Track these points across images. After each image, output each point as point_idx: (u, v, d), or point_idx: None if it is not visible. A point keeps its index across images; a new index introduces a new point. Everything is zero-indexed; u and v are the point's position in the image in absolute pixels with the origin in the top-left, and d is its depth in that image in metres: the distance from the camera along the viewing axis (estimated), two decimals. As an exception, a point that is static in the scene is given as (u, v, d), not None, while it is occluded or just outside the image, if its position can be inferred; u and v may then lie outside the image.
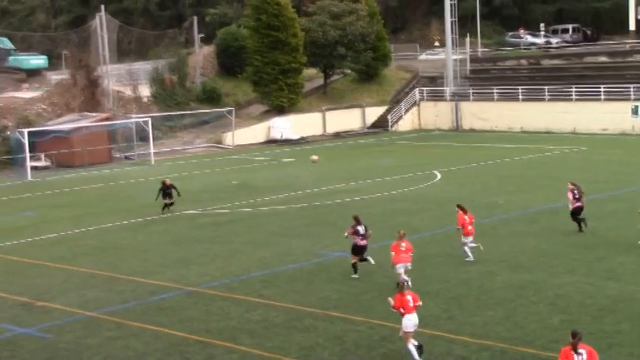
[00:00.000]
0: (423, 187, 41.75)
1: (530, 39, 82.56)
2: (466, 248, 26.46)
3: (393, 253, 23.50)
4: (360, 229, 25.16)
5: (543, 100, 66.65)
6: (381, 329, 20.36)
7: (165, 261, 28.40)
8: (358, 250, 25.11)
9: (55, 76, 77.77)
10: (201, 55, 77.58)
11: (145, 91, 72.00)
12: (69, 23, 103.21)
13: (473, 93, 70.94)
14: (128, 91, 71.21)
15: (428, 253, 27.57)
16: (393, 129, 72.02)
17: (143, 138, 60.29)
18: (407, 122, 72.95)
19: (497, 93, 69.15)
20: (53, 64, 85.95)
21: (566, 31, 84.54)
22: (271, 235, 31.90)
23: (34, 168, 53.87)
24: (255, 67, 69.50)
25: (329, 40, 70.70)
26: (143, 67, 76.44)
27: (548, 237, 29.49)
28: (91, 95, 66.82)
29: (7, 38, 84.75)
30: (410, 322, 18.07)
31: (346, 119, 72.17)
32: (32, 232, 34.57)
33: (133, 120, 60.98)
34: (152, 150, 58.29)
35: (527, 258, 26.50)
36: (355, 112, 73.12)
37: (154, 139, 59.80)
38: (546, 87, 66.70)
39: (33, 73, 79.99)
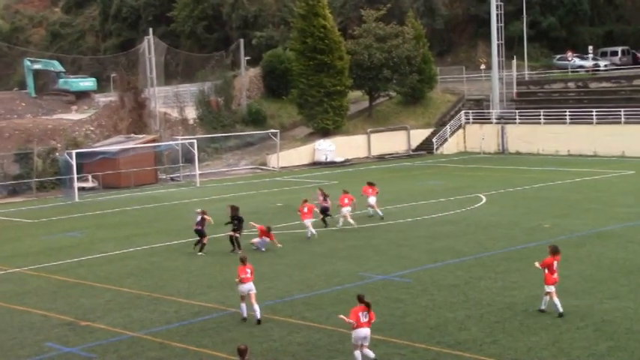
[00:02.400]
0: (468, 211, 41.45)
1: (578, 62, 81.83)
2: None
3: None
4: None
5: (591, 123, 65.95)
6: (425, 353, 20.21)
7: (209, 282, 28.49)
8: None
9: (103, 99, 78.89)
10: (247, 78, 78.12)
11: (191, 113, 72.64)
12: (118, 46, 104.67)
13: (519, 116, 70.47)
14: (175, 113, 71.89)
15: (472, 276, 27.36)
16: (438, 152, 71.76)
17: (189, 159, 60.76)
18: (452, 145, 72.66)
19: (544, 116, 68.62)
20: (102, 86, 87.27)
21: (615, 53, 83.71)
22: (315, 256, 31.87)
23: (81, 189, 54.48)
24: (301, 90, 69.79)
25: (374, 63, 70.76)
26: (190, 89, 77.23)
27: (594, 262, 29.10)
28: (138, 117, 67.54)
29: (58, 61, 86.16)
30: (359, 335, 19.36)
31: (391, 142, 72.06)
32: (78, 252, 34.92)
33: (179, 142, 61.48)
34: (197, 171, 58.67)
35: (573, 283, 26.14)
36: (400, 135, 72.99)
37: (199, 161, 60.17)
38: (594, 110, 66.04)
39: (82, 96, 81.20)
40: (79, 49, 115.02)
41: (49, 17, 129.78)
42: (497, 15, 72.35)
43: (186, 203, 47.81)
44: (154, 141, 61.64)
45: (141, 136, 62.91)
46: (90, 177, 57.57)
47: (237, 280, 23.70)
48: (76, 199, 52.30)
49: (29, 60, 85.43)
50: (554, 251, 23.37)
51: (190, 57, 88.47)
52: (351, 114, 74.79)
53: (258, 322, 23.15)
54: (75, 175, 53.26)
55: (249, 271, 23.78)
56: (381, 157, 70.15)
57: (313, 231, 35.35)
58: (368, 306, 19.49)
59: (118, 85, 74.04)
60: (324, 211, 37.56)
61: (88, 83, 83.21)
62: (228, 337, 22.19)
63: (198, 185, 56.88)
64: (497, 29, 72.41)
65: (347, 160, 67.73)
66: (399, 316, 23.38)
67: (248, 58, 78.60)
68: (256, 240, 33.78)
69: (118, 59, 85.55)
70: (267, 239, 33.58)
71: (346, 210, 37.39)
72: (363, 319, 19.38)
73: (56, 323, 24.31)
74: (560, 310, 22.60)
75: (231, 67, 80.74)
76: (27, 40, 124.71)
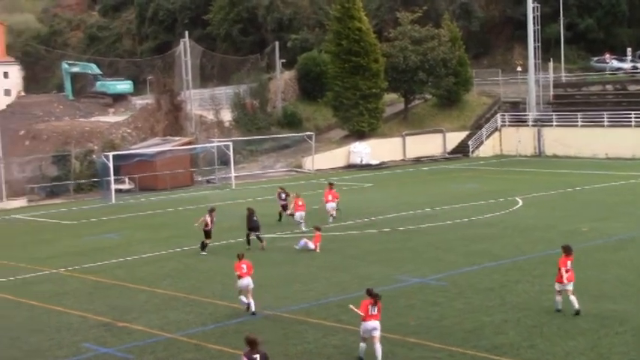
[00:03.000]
0: (504, 214, 41.17)
1: (616, 64, 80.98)
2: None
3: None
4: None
5: (630, 125, 65.29)
6: (461, 357, 20.09)
7: (244, 284, 28.50)
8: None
9: (139, 101, 79.49)
10: (283, 80, 78.28)
11: (227, 116, 72.94)
12: (154, 49, 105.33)
13: (556, 118, 69.91)
14: (210, 116, 72.21)
15: (509, 280, 27.17)
16: (474, 155, 71.42)
17: (224, 162, 60.97)
18: (488, 148, 72.26)
19: (581, 118, 68.02)
20: (138, 89, 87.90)
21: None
22: (350, 259, 31.82)
23: (118, 191, 54.88)
24: (336, 92, 69.78)
25: (410, 66, 70.59)
26: (225, 91, 77.55)
27: (632, 266, 28.76)
28: (174, 119, 67.93)
29: (95, 64, 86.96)
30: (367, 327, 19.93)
31: (426, 144, 71.82)
32: (115, 253, 35.15)
33: (214, 144, 61.73)
34: (233, 174, 58.86)
35: (611, 287, 25.86)
36: (436, 138, 72.74)
37: (234, 163, 60.40)
38: (633, 113, 65.35)
39: (119, 98, 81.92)
40: (116, 52, 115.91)
41: (87, 20, 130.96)
42: (533, 17, 71.89)
43: (222, 205, 47.92)
44: (189, 143, 61.94)
45: (177, 138, 63.26)
46: (127, 179, 57.96)
47: (236, 274, 25.09)
48: (113, 201, 52.69)
49: (67, 63, 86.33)
50: (568, 251, 23.53)
51: (226, 59, 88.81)
52: (387, 116, 74.64)
53: (252, 311, 24.49)
54: (112, 177, 53.64)
55: (244, 266, 25.07)
56: (417, 160, 69.94)
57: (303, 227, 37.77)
58: (377, 298, 19.96)
59: (155, 87, 74.60)
60: (284, 208, 39.88)
61: (124, 86, 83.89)
62: (262, 339, 22.17)
63: (233, 187, 57.06)
64: (534, 31, 71.91)
65: (382, 163, 67.61)
66: (435, 319, 23.26)
67: (283, 60, 78.76)
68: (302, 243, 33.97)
69: (155, 62, 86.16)
70: (310, 243, 33.52)
71: (330, 206, 39.78)
72: (372, 312, 19.88)
73: (93, 324, 24.48)
74: (577, 306, 22.73)
75: (267, 70, 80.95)
76: (65, 43, 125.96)
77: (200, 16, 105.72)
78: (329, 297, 26.21)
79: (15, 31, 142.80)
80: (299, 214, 38.33)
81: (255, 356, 16.63)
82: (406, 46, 71.27)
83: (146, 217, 46.36)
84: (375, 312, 20.00)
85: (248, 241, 34.62)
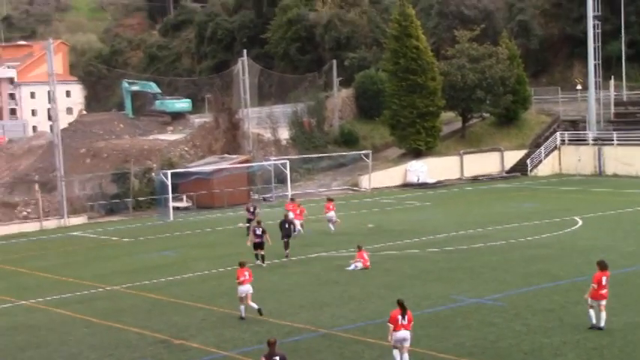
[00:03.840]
0: (563, 234, 40.62)
1: (678, 81, 79.63)
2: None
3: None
4: (257, 230, 34.98)
5: (692, 144, 64.08)
6: (518, 379, 19.80)
7: (300, 302, 28.54)
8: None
9: (198, 119, 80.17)
10: (340, 99, 78.41)
11: (284, 134, 73.22)
12: (212, 68, 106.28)
13: (617, 137, 68.86)
14: (268, 134, 72.57)
15: (568, 301, 26.75)
16: (533, 173, 70.63)
17: (281, 180, 61.17)
18: (547, 167, 71.42)
19: (643, 137, 66.93)
20: (197, 107, 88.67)
21: None
22: (407, 278, 31.65)
23: (176, 208, 55.33)
24: (393, 111, 69.67)
25: (467, 84, 70.20)
26: (283, 110, 77.91)
27: (697, 288, 28.14)
28: (232, 138, 68.40)
29: (155, 83, 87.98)
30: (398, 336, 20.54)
31: (484, 163, 71.25)
32: (172, 270, 35.42)
33: (271, 162, 61.98)
34: (290, 192, 58.97)
35: (675, 309, 25.32)
36: (493, 156, 72.14)
37: (291, 181, 60.55)
38: (696, 131, 64.14)
39: (177, 116, 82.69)
40: (175, 71, 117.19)
41: (147, 40, 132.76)
42: (594, 34, 71.04)
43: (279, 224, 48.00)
44: (247, 161, 62.31)
45: (234, 156, 63.67)
46: (184, 197, 58.44)
47: (237, 281, 26.63)
48: (171, 219, 53.15)
49: (127, 82, 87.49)
50: (603, 266, 23.70)
51: (283, 78, 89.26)
52: (444, 135, 74.26)
53: (259, 311, 26.23)
54: (170, 195, 54.13)
55: (247, 274, 26.70)
56: (475, 179, 69.38)
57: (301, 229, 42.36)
58: (405, 309, 20.71)
59: (213, 106, 75.28)
60: (249, 221, 41.00)
61: (183, 104, 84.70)
62: (318, 358, 22.16)
63: (290, 206, 57.13)
64: (594, 49, 71.04)
65: (439, 182, 67.23)
66: (491, 340, 22.99)
67: (340, 79, 78.91)
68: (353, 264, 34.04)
69: (213, 80, 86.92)
70: (359, 264, 33.56)
71: (330, 215, 43.82)
72: (402, 322, 20.54)
73: (151, 341, 24.67)
74: (602, 324, 23.09)
75: (324, 88, 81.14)
76: (125, 63, 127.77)
77: (258, 35, 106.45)
78: (385, 316, 25.92)
79: (78, 51, 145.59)
80: (329, 215, 43.73)
81: (275, 358, 17.51)
82: (464, 65, 70.93)
83: (203, 234, 46.67)
84: (405, 322, 20.56)
85: (285, 246, 37.32)
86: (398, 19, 69.57)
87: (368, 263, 33.69)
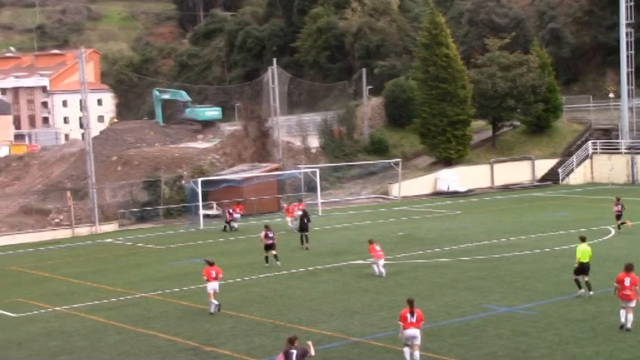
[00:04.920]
0: (596, 243, 40.19)
1: None
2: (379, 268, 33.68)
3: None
4: (270, 233, 36.99)
5: None
6: (551, 389, 19.63)
7: (330, 310, 28.51)
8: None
9: (228, 127, 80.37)
10: (370, 107, 78.41)
11: (314, 142, 73.27)
12: (242, 76, 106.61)
13: (650, 146, 68.29)
14: (297, 142, 72.66)
15: (600, 311, 26.51)
16: (564, 182, 70.14)
17: (311, 188, 61.17)
18: (579, 176, 70.89)
19: (676, 146, 66.31)
20: (227, 115, 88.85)
21: None
22: (437, 287, 31.51)
23: (206, 216, 55.49)
24: (423, 119, 69.56)
25: (498, 92, 69.93)
26: (312, 118, 77.96)
27: None
28: (261, 146, 68.57)
29: (185, 91, 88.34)
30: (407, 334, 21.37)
31: (515, 172, 70.88)
32: (202, 278, 35.39)
33: (301, 170, 62.03)
34: (320, 200, 58.97)
35: None
36: (524, 165, 71.75)
37: (321, 190, 60.52)
38: None
39: (208, 125, 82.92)
40: (205, 79, 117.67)
41: (178, 48, 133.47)
42: (626, 42, 70.56)
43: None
44: (277, 170, 62.39)
45: (264, 164, 63.79)
46: (215, 204, 58.62)
47: (205, 278, 28.96)
48: (201, 227, 53.32)
49: (158, 90, 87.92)
50: (628, 268, 24.36)
51: (313, 86, 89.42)
52: (474, 143, 73.99)
53: (218, 308, 28.55)
54: (200, 203, 54.30)
55: (213, 272, 28.87)
56: (505, 188, 69.02)
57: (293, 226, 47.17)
58: (413, 307, 21.37)
59: (243, 114, 75.43)
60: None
61: (213, 112, 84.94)
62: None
63: (320, 214, 57.12)
64: (627, 57, 70.55)
65: (470, 190, 66.95)
66: (523, 350, 22.82)
67: (370, 87, 78.90)
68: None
69: (243, 89, 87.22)
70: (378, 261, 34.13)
71: (297, 214, 46.94)
72: (411, 320, 21.24)
73: (181, 348, 24.74)
74: (629, 325, 23.78)
75: (354, 97, 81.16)
76: (156, 71, 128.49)
77: (288, 44, 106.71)
78: (415, 325, 25.94)
79: (109, 60, 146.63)
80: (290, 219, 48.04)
81: (291, 351, 18.44)
82: (494, 73, 70.66)
83: (233, 242, 46.78)
84: (414, 320, 21.25)
85: (302, 241, 41.51)
86: (428, 28, 69.52)
87: (380, 253, 34.05)
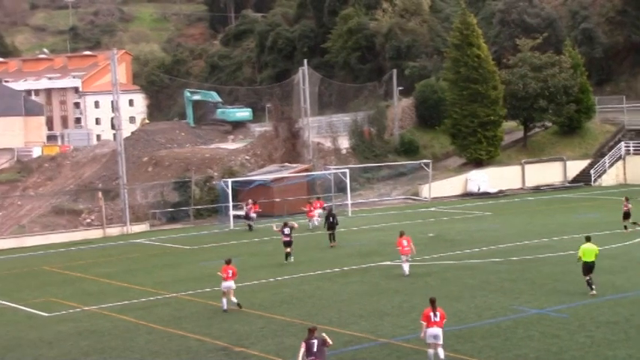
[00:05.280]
0: (629, 245, 39.90)
1: None
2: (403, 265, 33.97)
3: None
4: (286, 230, 38.91)
5: None
6: (582, 392, 19.47)
7: (360, 311, 28.47)
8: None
9: (258, 128, 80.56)
10: (400, 108, 78.25)
11: (344, 143, 73.21)
12: (273, 77, 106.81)
13: (683, 147, 67.56)
14: (328, 143, 72.64)
15: (633, 313, 26.27)
16: (596, 183, 69.57)
17: (341, 189, 61.11)
18: (611, 177, 70.28)
19: None
20: (257, 116, 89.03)
21: None
22: (467, 288, 31.37)
23: (236, 216, 55.58)
24: (454, 120, 69.32)
25: (529, 93, 69.51)
26: (343, 119, 77.90)
27: None
28: (291, 147, 68.62)
29: (216, 92, 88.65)
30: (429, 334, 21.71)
31: (546, 173, 70.41)
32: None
33: (331, 171, 62.01)
34: (349, 201, 58.91)
35: None
36: (556, 166, 71.24)
37: (351, 191, 60.44)
38: None
39: (238, 125, 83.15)
40: (236, 80, 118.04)
41: (209, 50, 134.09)
42: (660, 42, 69.85)
43: (339, 233, 47.99)
44: (306, 170, 62.43)
45: (294, 165, 63.85)
46: (244, 205, 58.71)
47: (222, 276, 29.52)
48: (232, 227, 53.47)
49: (189, 91, 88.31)
50: None
51: (344, 87, 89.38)
52: (505, 144, 73.60)
53: (238, 305, 29.23)
54: (231, 203, 54.45)
55: (230, 272, 29.43)
56: (536, 189, 68.58)
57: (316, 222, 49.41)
58: (434, 306, 21.78)
59: (273, 115, 75.57)
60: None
61: (244, 113, 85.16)
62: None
63: (350, 215, 57.08)
64: (661, 57, 69.84)
65: (500, 192, 66.59)
66: (554, 352, 22.66)
67: (401, 88, 78.74)
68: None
69: (273, 90, 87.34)
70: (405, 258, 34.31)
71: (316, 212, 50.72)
72: (434, 319, 21.64)
73: (211, 348, 24.83)
74: None
75: (384, 97, 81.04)
76: (187, 72, 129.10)
77: (318, 45, 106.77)
78: (446, 327, 25.82)
79: (141, 61, 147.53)
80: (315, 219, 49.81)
81: (312, 341, 19.58)
82: (526, 73, 70.24)
83: (263, 243, 46.85)
84: (438, 319, 21.65)
85: (330, 239, 43.18)
86: (459, 28, 69.26)
87: (407, 249, 34.08)
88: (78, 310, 31.53)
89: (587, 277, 29.13)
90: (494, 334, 24.71)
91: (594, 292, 28.85)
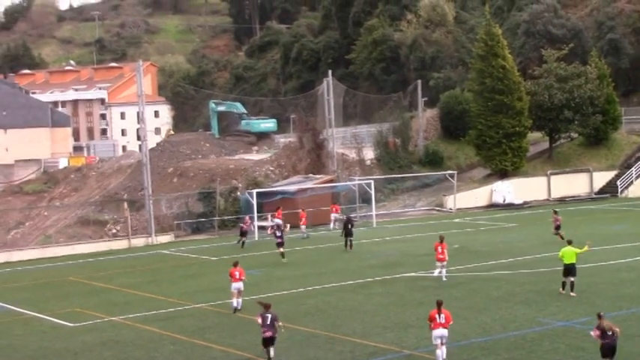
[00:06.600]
0: (655, 257, 39.54)
1: None
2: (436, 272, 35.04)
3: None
4: (278, 232, 43.55)
5: None
6: (608, 405, 19.27)
7: (384, 323, 28.38)
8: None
9: (282, 139, 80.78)
10: (425, 119, 78.15)
11: (369, 154, 73.18)
12: (297, 88, 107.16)
13: None
14: (352, 154, 72.64)
15: (660, 326, 25.99)
16: (623, 195, 69.04)
17: (365, 200, 61.03)
18: (638, 188, 69.69)
19: None
20: (281, 127, 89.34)
21: None
22: (492, 300, 31.20)
23: (261, 227, 55.61)
24: (479, 131, 69.12)
25: (555, 104, 69.22)
26: (367, 130, 77.93)
27: None
28: (316, 157, 68.68)
29: (240, 103, 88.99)
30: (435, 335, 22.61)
31: (572, 184, 69.98)
32: (256, 290, 35.54)
33: (356, 182, 61.96)
34: (374, 212, 58.83)
35: None
36: (582, 177, 70.80)
37: (375, 201, 60.37)
38: None
39: (263, 136, 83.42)
40: (260, 92, 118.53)
41: (233, 61, 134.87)
42: (687, 53, 69.36)
43: (363, 244, 47.99)
44: (331, 181, 62.42)
45: (319, 176, 63.86)
46: (269, 216, 58.76)
47: (230, 279, 31.16)
48: (256, 238, 53.49)
49: (214, 102, 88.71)
50: None
51: (368, 98, 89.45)
52: (531, 155, 73.30)
53: (235, 310, 30.76)
54: (255, 214, 54.48)
55: (237, 273, 31.01)
56: (562, 200, 68.18)
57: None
58: (440, 307, 22.59)
59: (297, 126, 75.71)
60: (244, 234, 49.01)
61: (268, 124, 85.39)
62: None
63: (374, 226, 57.02)
64: (687, 67, 69.31)
65: (525, 203, 66.26)
66: (580, 365, 22.47)
67: (425, 99, 78.67)
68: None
69: (298, 101, 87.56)
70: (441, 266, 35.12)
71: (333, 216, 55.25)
72: (440, 320, 22.42)
73: (235, 359, 24.83)
74: None
75: (409, 108, 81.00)
76: (212, 83, 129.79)
77: (343, 56, 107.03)
78: (470, 338, 25.73)
79: (166, 72, 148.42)
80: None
81: (267, 315, 23.11)
82: (551, 84, 69.97)
83: (287, 254, 46.79)
84: (443, 321, 22.43)
85: (345, 244, 45.22)
86: (484, 39, 69.13)
87: (441, 256, 35.02)
88: (103, 320, 31.64)
89: (564, 279, 30.80)
90: (519, 346, 24.55)
91: (564, 292, 30.75)
